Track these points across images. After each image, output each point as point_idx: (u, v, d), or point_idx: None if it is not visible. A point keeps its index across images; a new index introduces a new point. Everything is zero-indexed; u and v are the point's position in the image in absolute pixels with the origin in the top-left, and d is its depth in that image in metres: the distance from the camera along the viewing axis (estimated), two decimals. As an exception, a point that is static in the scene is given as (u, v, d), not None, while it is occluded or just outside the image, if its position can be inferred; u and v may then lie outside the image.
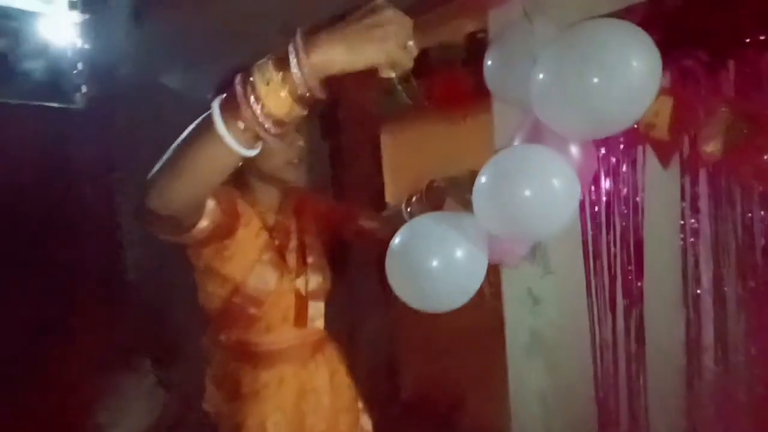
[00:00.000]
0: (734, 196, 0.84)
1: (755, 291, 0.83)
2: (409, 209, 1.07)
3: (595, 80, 0.73)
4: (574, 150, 0.86)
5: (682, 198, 0.90)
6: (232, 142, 0.56)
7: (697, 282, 0.90)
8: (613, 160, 0.96)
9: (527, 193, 0.72)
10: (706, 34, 0.80)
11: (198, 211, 0.74)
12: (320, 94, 0.57)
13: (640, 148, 0.93)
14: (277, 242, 0.94)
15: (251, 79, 0.55)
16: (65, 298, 1.61)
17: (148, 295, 1.68)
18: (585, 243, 1.03)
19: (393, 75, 0.61)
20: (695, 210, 0.89)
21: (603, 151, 0.96)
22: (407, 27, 0.58)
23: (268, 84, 0.55)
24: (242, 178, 0.94)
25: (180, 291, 1.05)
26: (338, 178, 2.42)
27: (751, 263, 0.83)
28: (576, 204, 0.73)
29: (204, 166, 0.60)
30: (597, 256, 1.02)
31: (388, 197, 2.65)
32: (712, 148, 0.83)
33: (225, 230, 0.84)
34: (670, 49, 0.73)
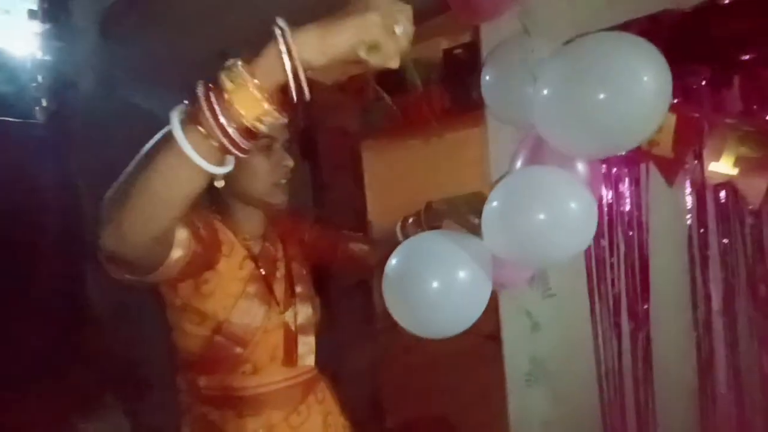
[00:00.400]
0: (743, 214, 0.84)
1: (768, 312, 0.83)
2: (404, 232, 1.04)
3: (602, 96, 0.72)
4: (580, 170, 0.85)
5: (689, 216, 0.90)
6: (195, 156, 0.50)
7: (707, 303, 0.89)
8: (616, 177, 0.95)
9: (541, 216, 0.70)
10: (709, 49, 0.82)
11: (165, 244, 0.66)
12: (305, 92, 0.51)
13: (643, 165, 0.93)
14: (263, 272, 0.89)
15: (215, 79, 0.50)
16: (18, 330, 1.49)
17: (114, 327, 1.58)
18: (588, 263, 1.02)
19: (371, 62, 0.54)
20: (703, 228, 0.89)
21: (604, 168, 0.96)
22: (398, 10, 0.53)
23: (233, 80, 0.49)
24: (223, 201, 0.89)
25: (150, 322, 0.97)
26: (319, 197, 2.38)
27: (763, 282, 0.83)
28: (593, 228, 0.71)
29: (165, 189, 0.52)
30: (600, 277, 1.01)
31: (371, 216, 2.62)
32: (718, 166, 0.84)
33: (204, 262, 0.77)
34: (671, 64, 0.73)
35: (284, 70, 0.50)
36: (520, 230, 0.74)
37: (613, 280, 0.99)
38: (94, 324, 1.60)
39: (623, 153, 0.83)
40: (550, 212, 0.72)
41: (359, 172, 2.63)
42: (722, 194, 0.86)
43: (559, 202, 0.73)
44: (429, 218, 1.00)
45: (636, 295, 0.97)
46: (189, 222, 0.72)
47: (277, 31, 0.50)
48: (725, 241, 0.87)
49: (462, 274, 0.75)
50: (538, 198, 0.74)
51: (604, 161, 0.94)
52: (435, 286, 0.74)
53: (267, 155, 0.85)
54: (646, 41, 0.71)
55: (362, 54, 0.52)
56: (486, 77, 0.99)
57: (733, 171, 0.84)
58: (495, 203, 0.77)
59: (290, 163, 0.88)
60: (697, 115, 0.86)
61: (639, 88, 0.71)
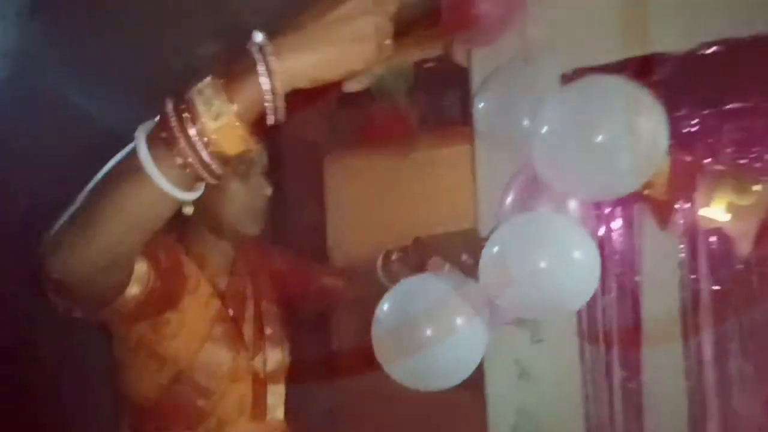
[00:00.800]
0: (734, 261, 0.96)
1: (761, 362, 0.94)
2: (387, 268, 1.08)
3: (600, 138, 0.82)
4: (572, 210, 0.95)
5: (681, 262, 1.01)
6: (164, 183, 0.51)
7: (698, 352, 1.00)
8: (608, 219, 1.06)
9: (543, 265, 0.77)
10: (703, 92, 0.94)
11: (122, 275, 0.67)
12: (282, 116, 0.52)
13: (636, 207, 1.04)
14: (231, 312, 0.90)
15: (187, 101, 0.51)
16: None
17: (38, 367, 1.49)
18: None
19: (358, 87, 0.56)
20: (695, 274, 1.00)
21: (598, 209, 1.06)
22: (387, 17, 0.53)
23: (210, 107, 0.50)
24: (189, 230, 0.91)
25: (87, 362, 0.94)
26: (274, 218, 2.37)
27: (756, 332, 0.95)
28: (597, 279, 0.79)
29: (129, 215, 0.54)
30: (592, 322, 1.10)
31: (332, 242, 2.62)
32: (709, 211, 0.95)
33: (165, 299, 0.79)
34: (666, 106, 0.84)
35: (264, 102, 0.50)
36: (522, 279, 0.81)
37: (604, 325, 1.08)
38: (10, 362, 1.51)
39: (621, 195, 0.93)
40: (553, 261, 0.79)
41: (320, 190, 2.63)
42: (714, 240, 0.98)
43: (563, 250, 0.80)
44: (417, 255, 1.05)
45: (628, 342, 1.07)
46: (150, 254, 0.73)
47: (257, 56, 0.50)
48: (716, 287, 0.99)
49: (459, 321, 0.80)
50: (542, 245, 0.81)
51: (596, 203, 1.04)
52: (429, 333, 0.80)
53: (244, 182, 0.88)
54: (643, 87, 0.82)
55: (351, 83, 0.55)
56: (481, 104, 1.08)
57: (725, 217, 0.96)
58: (496, 249, 0.83)
59: (268, 191, 0.92)
60: (690, 158, 0.98)
61: (636, 133, 0.81)
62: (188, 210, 0.84)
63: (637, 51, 1.03)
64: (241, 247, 0.98)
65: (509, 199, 1.05)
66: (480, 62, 1.24)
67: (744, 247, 0.95)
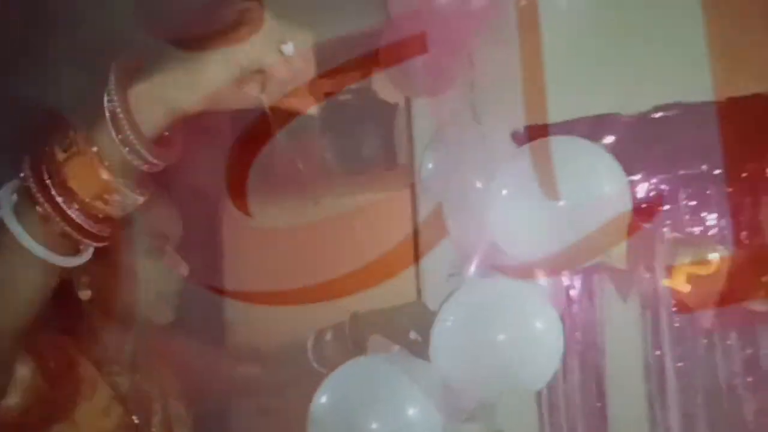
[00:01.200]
0: (697, 335, 1.02)
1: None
2: (318, 350, 1.05)
3: (562, 203, 0.86)
4: (539, 283, 0.97)
5: (645, 336, 1.06)
6: (31, 244, 0.50)
7: None
8: (568, 291, 1.10)
9: (501, 337, 0.78)
10: (657, 157, 1.03)
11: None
12: (152, 157, 0.52)
13: (596, 278, 1.09)
14: (136, 420, 0.85)
15: (47, 147, 0.52)
16: None
17: None
18: (539, 392, 1.12)
19: (264, 97, 0.55)
20: (658, 349, 1.05)
21: (558, 281, 1.09)
22: (286, 30, 0.53)
23: (66, 149, 0.50)
24: (87, 320, 0.85)
25: None
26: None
27: (721, 408, 1.00)
28: (560, 352, 0.81)
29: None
30: (554, 408, 1.11)
31: (230, 314, 2.48)
32: (670, 282, 1.02)
33: (54, 409, 0.74)
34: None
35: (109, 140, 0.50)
36: (479, 354, 0.81)
37: (568, 410, 1.10)
38: None
39: (586, 263, 0.97)
40: (512, 333, 0.81)
41: (217, 248, 2.51)
42: (675, 312, 1.05)
43: (522, 321, 0.82)
44: (355, 333, 1.02)
45: (593, 428, 1.08)
46: (35, 353, 0.68)
47: (108, 87, 0.50)
48: (680, 364, 1.05)
49: (411, 411, 0.78)
50: (499, 316, 0.83)
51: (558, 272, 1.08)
52: (374, 427, 0.77)
53: (156, 260, 0.85)
54: (604, 150, 0.89)
55: (252, 90, 0.53)
56: (429, 164, 1.11)
57: (685, 288, 1.03)
58: (450, 321, 0.84)
59: (185, 269, 0.89)
60: (646, 225, 1.06)
61: (599, 196, 0.87)
62: (85, 294, 0.80)
63: (588, 111, 1.11)
64: (143, 338, 0.93)
65: (465, 268, 1.06)
66: (423, 112, 1.29)
67: (705, 319, 1.02)
